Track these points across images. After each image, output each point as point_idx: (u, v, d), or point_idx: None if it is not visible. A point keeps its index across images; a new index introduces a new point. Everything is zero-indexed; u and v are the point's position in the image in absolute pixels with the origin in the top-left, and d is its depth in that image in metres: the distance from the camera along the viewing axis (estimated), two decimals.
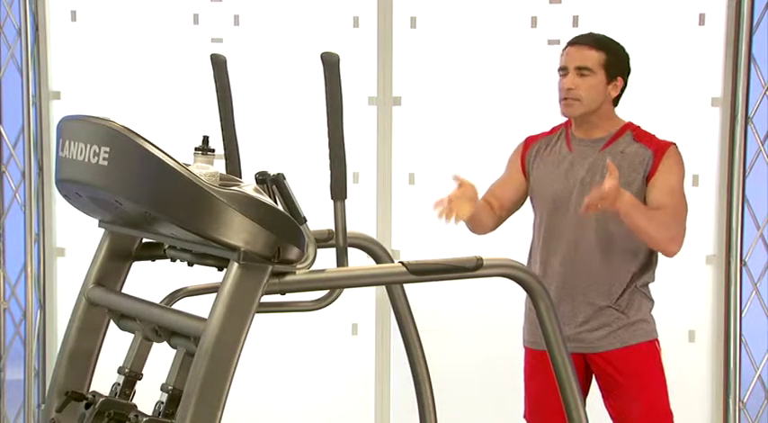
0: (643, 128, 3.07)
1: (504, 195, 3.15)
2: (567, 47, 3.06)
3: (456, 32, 4.28)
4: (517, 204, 3.18)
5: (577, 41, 3.05)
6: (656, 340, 3.08)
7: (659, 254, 3.04)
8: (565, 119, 3.13)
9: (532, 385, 3.16)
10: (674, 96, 4.18)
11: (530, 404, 3.18)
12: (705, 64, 4.18)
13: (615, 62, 3.03)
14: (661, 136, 3.07)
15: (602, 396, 3.08)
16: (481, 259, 2.17)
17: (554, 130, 3.17)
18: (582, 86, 2.98)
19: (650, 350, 3.07)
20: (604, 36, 3.07)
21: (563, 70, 3.02)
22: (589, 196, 2.83)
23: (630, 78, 3.10)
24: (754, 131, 4.13)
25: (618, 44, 3.06)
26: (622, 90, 3.08)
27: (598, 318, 3.02)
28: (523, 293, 3.11)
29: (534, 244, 3.15)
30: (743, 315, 4.15)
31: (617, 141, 3.03)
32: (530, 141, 3.18)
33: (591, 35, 3.06)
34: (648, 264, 3.05)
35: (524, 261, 3.11)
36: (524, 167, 3.15)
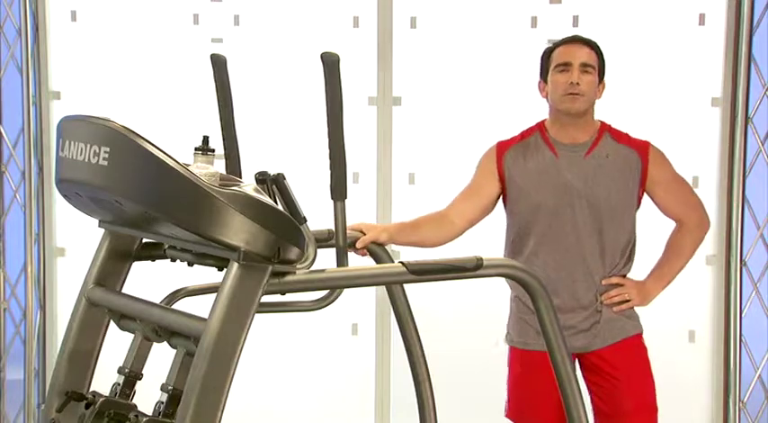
0: (614, 126, 3.11)
1: (474, 206, 3.09)
2: (562, 45, 3.06)
3: (456, 32, 4.28)
4: (485, 213, 3.14)
5: (577, 40, 3.07)
6: (642, 334, 3.12)
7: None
8: (531, 123, 3.14)
9: (520, 386, 3.15)
10: (674, 96, 4.18)
11: (516, 404, 3.17)
12: (705, 64, 4.18)
13: (603, 66, 3.08)
14: (635, 133, 3.11)
15: (590, 391, 3.09)
16: (481, 259, 2.17)
17: (525, 135, 3.13)
18: (585, 82, 3.00)
19: (638, 345, 3.11)
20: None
21: (565, 66, 3.01)
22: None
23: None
24: (754, 131, 4.13)
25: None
26: None
27: (590, 318, 3.05)
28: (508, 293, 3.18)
29: (516, 249, 3.11)
30: (743, 315, 4.16)
31: (599, 145, 3.05)
32: (503, 147, 3.13)
33: (583, 37, 3.10)
34: (630, 257, 3.11)
35: None
36: (501, 174, 3.10)
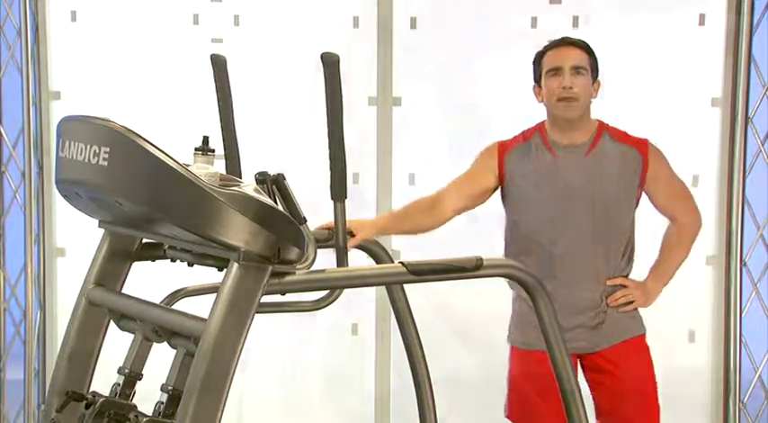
0: (611, 125, 3.10)
1: (465, 196, 3.10)
2: (552, 48, 3.05)
3: (456, 32, 4.28)
4: (476, 203, 3.14)
5: (566, 42, 3.05)
6: (644, 335, 3.12)
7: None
8: (533, 123, 3.12)
9: (521, 385, 3.14)
10: (674, 96, 4.19)
11: (517, 404, 3.17)
12: (705, 64, 4.18)
13: (596, 65, 3.06)
14: (635, 133, 3.10)
15: (591, 390, 3.09)
16: (481, 259, 2.17)
17: (526, 136, 3.12)
18: (578, 85, 2.99)
19: (641, 345, 3.11)
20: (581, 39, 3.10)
21: (556, 70, 3.00)
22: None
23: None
24: (754, 131, 4.13)
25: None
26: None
27: (595, 318, 3.05)
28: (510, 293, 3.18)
29: (513, 250, 3.11)
30: (743, 315, 4.16)
31: (599, 144, 3.04)
32: (504, 147, 3.13)
33: (572, 38, 3.09)
34: (631, 257, 3.11)
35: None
36: (502, 172, 3.10)
